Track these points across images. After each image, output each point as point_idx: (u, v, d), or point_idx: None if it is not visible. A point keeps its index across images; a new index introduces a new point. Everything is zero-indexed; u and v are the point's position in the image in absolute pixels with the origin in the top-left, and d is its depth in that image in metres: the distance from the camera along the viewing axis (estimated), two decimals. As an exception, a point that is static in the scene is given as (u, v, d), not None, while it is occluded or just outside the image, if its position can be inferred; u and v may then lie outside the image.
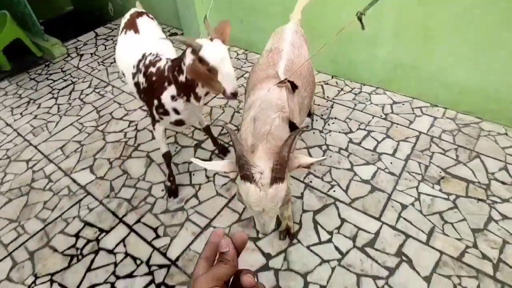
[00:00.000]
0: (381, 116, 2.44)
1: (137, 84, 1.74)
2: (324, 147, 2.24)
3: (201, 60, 1.37)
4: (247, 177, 1.06)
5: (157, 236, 1.83)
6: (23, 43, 3.52)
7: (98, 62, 3.51)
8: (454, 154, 2.10)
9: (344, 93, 2.69)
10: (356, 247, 1.69)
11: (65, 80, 3.27)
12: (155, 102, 1.66)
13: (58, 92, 3.10)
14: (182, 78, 1.53)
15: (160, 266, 1.70)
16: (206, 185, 2.08)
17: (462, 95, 2.31)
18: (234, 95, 1.41)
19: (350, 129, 2.36)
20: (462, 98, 2.32)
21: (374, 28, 2.35)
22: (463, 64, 2.18)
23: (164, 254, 1.75)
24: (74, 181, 2.21)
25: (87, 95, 3.03)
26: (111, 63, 3.46)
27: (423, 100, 2.52)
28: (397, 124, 2.36)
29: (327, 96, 2.67)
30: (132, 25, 1.92)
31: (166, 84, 1.61)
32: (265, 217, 1.14)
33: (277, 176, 1.05)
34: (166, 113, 1.68)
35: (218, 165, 1.16)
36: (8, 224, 1.98)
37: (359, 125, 2.38)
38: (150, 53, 1.71)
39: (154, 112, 1.72)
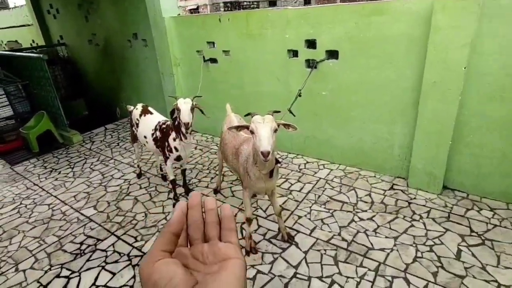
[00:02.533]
0: (297, 170, 3.59)
1: (155, 138, 3.00)
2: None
3: (178, 108, 2.65)
4: (254, 113, 1.96)
5: (136, 241, 2.75)
6: (51, 133, 4.84)
7: (105, 145, 4.78)
8: (339, 189, 3.19)
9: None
10: (265, 239, 2.63)
11: (79, 157, 4.47)
12: (166, 144, 2.88)
13: (74, 164, 4.26)
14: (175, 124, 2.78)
15: (136, 256, 2.58)
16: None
17: (345, 154, 3.53)
18: (185, 124, 2.62)
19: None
20: (345, 155, 3.54)
21: (287, 95, 3.72)
22: (339, 133, 3.47)
23: (140, 250, 2.64)
24: (82, 214, 3.18)
25: (95, 165, 4.18)
26: (116, 145, 4.72)
27: (325, 159, 3.73)
28: (306, 174, 3.50)
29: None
30: (146, 111, 3.24)
31: (170, 131, 2.84)
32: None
33: (269, 112, 1.97)
34: (171, 150, 2.87)
35: None
36: (32, 240, 2.88)
37: (281, 175, 3.51)
38: (159, 121, 3.02)
39: (166, 150, 2.90)
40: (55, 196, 3.55)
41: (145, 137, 3.12)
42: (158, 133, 2.98)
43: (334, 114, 3.43)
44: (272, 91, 3.79)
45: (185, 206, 0.46)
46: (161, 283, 0.38)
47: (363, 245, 2.48)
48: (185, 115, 2.64)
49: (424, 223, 2.65)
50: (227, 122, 2.85)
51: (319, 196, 3.11)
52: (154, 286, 0.38)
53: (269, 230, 2.72)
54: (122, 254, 2.61)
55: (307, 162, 3.75)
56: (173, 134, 2.88)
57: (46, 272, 2.50)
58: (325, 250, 2.46)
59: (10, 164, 4.42)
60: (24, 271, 2.53)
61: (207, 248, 0.45)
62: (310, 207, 2.96)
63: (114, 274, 2.42)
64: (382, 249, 2.42)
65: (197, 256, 0.44)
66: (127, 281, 2.34)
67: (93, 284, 2.35)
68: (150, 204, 3.24)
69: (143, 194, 3.42)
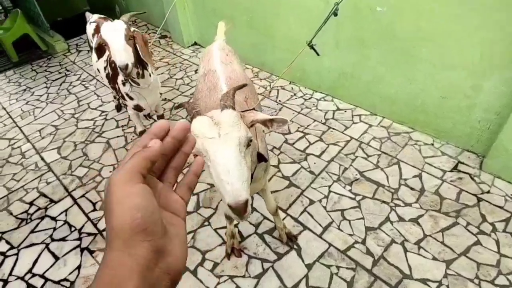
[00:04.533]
0: (321, 121, 2.61)
1: (107, 76, 2.10)
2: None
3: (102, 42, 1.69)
4: (199, 112, 0.94)
5: (94, 209, 2.12)
6: (32, 38, 3.99)
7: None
8: (376, 159, 2.24)
9: (296, 98, 2.88)
10: (256, 233, 1.89)
11: (60, 73, 3.68)
12: (117, 87, 2.02)
13: (51, 83, 3.51)
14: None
15: (89, 234, 1.98)
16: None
17: (395, 106, 2.43)
18: (121, 69, 1.68)
19: (289, 130, 2.55)
20: (395, 108, 2.45)
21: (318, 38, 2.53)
22: (392, 75, 2.32)
23: (95, 225, 2.03)
24: (43, 159, 2.56)
25: (74, 86, 3.40)
26: (103, 59, 3.84)
27: (364, 108, 2.66)
28: (333, 129, 2.52)
29: (279, 100, 2.87)
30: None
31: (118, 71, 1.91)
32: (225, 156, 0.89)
33: (226, 104, 0.96)
34: (124, 97, 2.00)
35: None
36: (-20, 189, 2.35)
37: (298, 127, 2.57)
38: None
39: (119, 96, 2.09)
40: (19, 128, 2.92)
41: (98, 70, 2.19)
42: (109, 69, 2.04)
43: (390, 45, 2.23)
44: (301, 0, 2.54)
45: (166, 130, 0.43)
46: (135, 211, 0.34)
47: (396, 267, 1.67)
48: (116, 54, 1.65)
49: (497, 241, 1.74)
50: (204, 59, 1.82)
51: (345, 170, 2.20)
52: (124, 211, 0.34)
53: (265, 218, 1.96)
54: (73, 229, 2.02)
55: (338, 109, 2.72)
56: (119, 77, 1.94)
57: (-18, 242, 2.00)
58: (338, 267, 1.70)
59: (-17, 76, 3.78)
60: (-42, 236, 2.05)
61: (160, 187, 0.42)
62: (329, 186, 2.10)
63: (57, 259, 1.87)
64: (425, 281, 1.61)
65: (153, 190, 0.39)
66: (69, 274, 1.78)
67: (29, 271, 1.82)
68: (122, 153, 2.52)
69: (118, 136, 2.68)
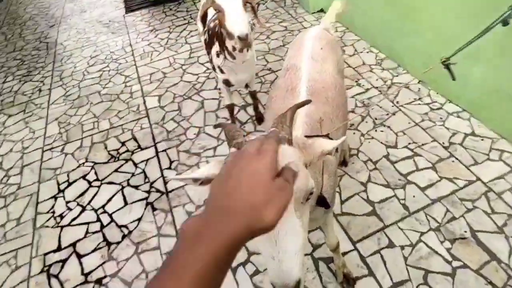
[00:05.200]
0: (443, 143, 2.03)
1: (205, 41, 1.94)
2: (354, 151, 2.06)
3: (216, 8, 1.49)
4: (240, 144, 0.67)
5: (169, 167, 2.16)
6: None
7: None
8: (502, 221, 1.64)
9: (420, 104, 2.30)
10: (311, 255, 1.63)
11: (184, 19, 3.78)
12: (209, 56, 1.89)
13: (174, 28, 3.64)
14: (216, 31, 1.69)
15: (157, 191, 2.04)
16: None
17: None
18: (241, 39, 1.47)
19: (396, 144, 2.07)
20: None
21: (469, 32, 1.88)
22: None
23: (165, 183, 2.07)
24: (144, 103, 2.71)
25: (192, 36, 3.46)
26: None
27: (512, 143, 1.95)
28: (456, 158, 1.94)
29: (397, 101, 2.34)
30: None
31: (214, 39, 1.78)
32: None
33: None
34: (214, 68, 1.89)
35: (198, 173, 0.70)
36: (92, 118, 2.65)
37: (408, 143, 2.06)
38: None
39: (211, 65, 1.95)
40: (136, 68, 3.14)
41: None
42: (207, 35, 1.87)
43: None
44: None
45: None
46: None
47: None
48: (235, 23, 1.43)
49: None
50: (293, 47, 1.48)
51: (452, 219, 1.67)
52: None
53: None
54: (147, 180, 2.11)
55: (473, 134, 2.06)
56: (215, 47, 1.76)
57: (79, 166, 2.27)
58: None
59: (125, 11, 4.15)
60: (65, 154, 2.37)
61: None
62: (422, 234, 1.64)
63: (126, 204, 1.99)
64: None
65: None
66: (130, 222, 1.88)
67: (102, 206, 1.99)
68: (211, 117, 2.47)
69: (213, 99, 2.63)
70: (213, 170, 0.67)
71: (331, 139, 0.95)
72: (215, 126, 0.82)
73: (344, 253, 1.59)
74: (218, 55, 1.79)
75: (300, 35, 1.58)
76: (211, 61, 1.90)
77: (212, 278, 0.39)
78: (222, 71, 1.84)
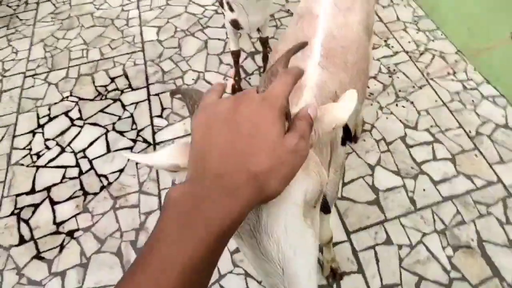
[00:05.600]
0: (469, 132, 1.78)
1: None
2: (367, 126, 1.82)
3: None
4: None
5: (160, 116, 1.95)
6: None
7: None
8: (518, 232, 1.47)
9: (453, 80, 1.99)
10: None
11: None
12: None
13: None
14: None
15: (144, 141, 1.85)
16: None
17: None
18: None
19: (417, 125, 1.82)
20: None
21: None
22: None
23: (154, 133, 1.88)
24: (141, 33, 2.38)
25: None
26: None
27: (551, 145, 1.70)
28: (480, 153, 1.70)
29: (427, 73, 2.02)
30: None
31: None
32: None
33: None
34: (222, 4, 1.55)
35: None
36: (81, 44, 2.35)
37: (430, 126, 1.81)
38: None
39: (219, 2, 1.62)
40: (137, -12, 2.72)
41: None
42: None
43: None
44: None
45: None
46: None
47: None
48: None
49: None
50: None
51: (461, 223, 1.51)
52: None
53: (320, 227, 1.53)
54: (134, 127, 1.91)
55: (506, 125, 1.79)
56: None
57: (62, 100, 2.05)
58: None
59: None
60: (49, 84, 2.14)
61: None
62: (424, 235, 1.48)
63: (109, 151, 1.82)
64: None
65: None
66: (111, 172, 1.73)
67: (83, 150, 1.83)
68: (214, 61, 2.17)
69: (219, 39, 2.30)
70: (174, 160, 0.45)
71: (346, 124, 0.71)
72: (172, 93, 0.58)
73: (336, 243, 1.46)
74: None
75: None
76: None
77: (204, 271, 0.30)
78: (231, 8, 1.51)
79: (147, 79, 2.12)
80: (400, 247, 1.46)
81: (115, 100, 2.03)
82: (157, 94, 2.04)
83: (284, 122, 0.38)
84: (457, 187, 1.61)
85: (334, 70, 0.87)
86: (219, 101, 0.39)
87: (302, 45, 0.51)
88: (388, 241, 1.47)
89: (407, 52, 2.13)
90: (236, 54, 1.86)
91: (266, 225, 0.39)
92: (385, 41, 2.20)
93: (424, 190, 1.61)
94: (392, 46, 2.17)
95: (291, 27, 1.05)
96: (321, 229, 1.22)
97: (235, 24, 1.59)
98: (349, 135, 0.74)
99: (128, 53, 2.26)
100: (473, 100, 1.90)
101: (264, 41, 1.89)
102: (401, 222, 1.52)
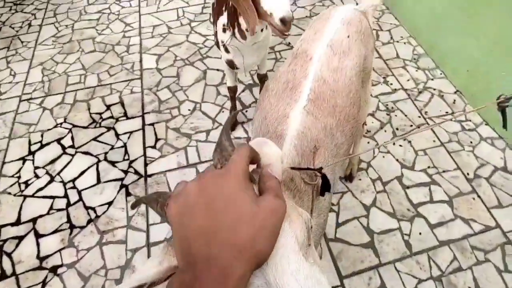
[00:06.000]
0: (467, 174, 1.75)
1: (212, 5, 1.60)
2: (363, 165, 1.79)
3: None
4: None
5: (154, 147, 1.92)
6: None
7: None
8: (517, 284, 1.42)
9: (451, 120, 1.98)
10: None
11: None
12: (215, 28, 1.54)
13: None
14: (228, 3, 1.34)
15: (136, 172, 1.82)
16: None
17: None
18: (284, 22, 1.11)
19: (414, 165, 1.79)
20: None
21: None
22: None
23: (146, 165, 1.85)
24: (141, 61, 2.39)
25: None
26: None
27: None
28: (478, 196, 1.67)
29: (425, 112, 2.01)
30: None
31: (222, 9, 1.43)
32: None
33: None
34: (218, 44, 1.55)
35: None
36: (79, 69, 2.35)
37: (428, 166, 1.78)
38: None
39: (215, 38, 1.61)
40: (139, 15, 2.76)
41: None
42: (216, 1, 1.50)
43: None
44: None
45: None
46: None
47: None
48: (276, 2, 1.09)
49: None
50: (313, 26, 1.12)
51: (459, 270, 1.46)
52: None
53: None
54: (126, 157, 1.88)
55: (504, 169, 1.76)
56: (223, 18, 1.41)
57: (56, 126, 2.03)
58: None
59: None
60: (44, 109, 2.12)
61: None
62: (420, 281, 1.43)
63: (98, 181, 1.78)
64: None
65: None
66: (99, 205, 1.69)
67: (73, 180, 1.79)
68: (212, 92, 2.16)
69: (218, 70, 2.30)
70: (165, 263, 0.42)
71: (325, 175, 0.70)
72: (133, 206, 0.54)
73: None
74: (224, 30, 1.45)
75: (325, 13, 1.19)
76: (215, 34, 1.56)
77: None
78: (226, 50, 1.52)
79: (143, 107, 2.11)
80: (395, 296, 1.40)
81: (109, 129, 2.01)
82: (152, 124, 2.02)
83: (252, 187, 0.39)
84: (454, 231, 1.57)
85: (320, 115, 0.86)
86: (185, 188, 0.38)
87: (234, 116, 0.55)
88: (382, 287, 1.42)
89: (405, 90, 2.14)
90: (232, 90, 1.85)
91: (278, 286, 0.38)
92: (384, 78, 2.20)
93: (420, 233, 1.56)
94: (391, 84, 2.17)
95: (284, 67, 1.03)
96: None
97: (231, 65, 1.59)
98: (327, 186, 0.72)
99: (126, 80, 2.27)
100: (471, 142, 1.88)
101: (262, 78, 1.88)
102: (396, 267, 1.47)
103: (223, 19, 1.44)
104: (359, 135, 1.61)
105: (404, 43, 2.43)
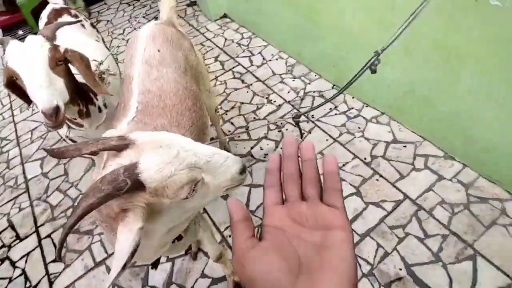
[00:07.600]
0: (364, 158, 1.80)
1: None
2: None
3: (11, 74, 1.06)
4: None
5: (55, 260, 1.73)
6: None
7: (109, 29, 3.40)
8: (437, 245, 1.44)
9: (336, 114, 2.06)
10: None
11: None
12: None
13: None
14: None
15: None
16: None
17: (489, 155, 1.52)
18: (47, 115, 1.01)
19: (316, 170, 1.80)
20: (488, 158, 1.54)
21: (381, 37, 1.64)
22: (498, 112, 1.39)
23: (51, 284, 1.65)
24: (24, 172, 2.21)
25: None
26: (121, 31, 3.31)
27: (436, 144, 1.76)
28: (381, 176, 1.71)
29: (312, 115, 2.08)
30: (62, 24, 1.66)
31: None
32: None
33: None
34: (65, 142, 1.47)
35: None
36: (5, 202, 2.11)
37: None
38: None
39: None
40: (15, 124, 2.60)
41: None
42: None
43: (507, 64, 1.30)
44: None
45: (277, 161, 0.40)
46: (259, 283, 0.32)
47: None
48: (35, 94, 1.03)
49: None
50: (128, 51, 1.29)
51: (386, 256, 1.44)
52: (252, 282, 0.32)
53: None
54: (28, 284, 1.67)
55: (395, 140, 1.85)
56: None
57: None
58: None
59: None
60: None
61: (306, 208, 0.37)
62: (356, 285, 1.40)
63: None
64: None
65: (294, 216, 0.37)
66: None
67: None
68: (105, 178, 2.05)
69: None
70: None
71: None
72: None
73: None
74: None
75: (131, 37, 1.35)
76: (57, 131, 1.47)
77: None
78: (74, 142, 1.43)
79: (35, 222, 1.92)
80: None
81: (2, 260, 1.78)
82: (48, 236, 1.83)
83: None
84: (369, 219, 1.57)
85: (149, 120, 0.99)
86: None
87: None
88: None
89: (289, 102, 2.20)
90: None
91: None
92: (267, 98, 2.26)
93: (341, 236, 1.54)
94: (275, 101, 2.23)
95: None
96: (207, 247, 1.25)
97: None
98: None
99: (11, 200, 2.06)
100: (359, 127, 1.96)
101: None
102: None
103: None
104: (216, 121, 1.82)
105: (276, 59, 2.55)
